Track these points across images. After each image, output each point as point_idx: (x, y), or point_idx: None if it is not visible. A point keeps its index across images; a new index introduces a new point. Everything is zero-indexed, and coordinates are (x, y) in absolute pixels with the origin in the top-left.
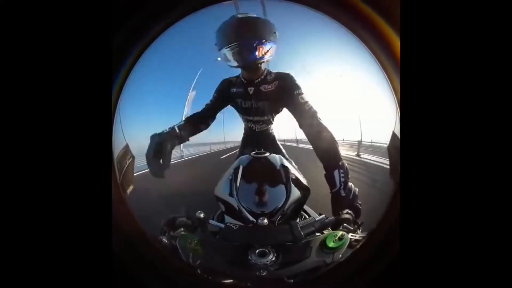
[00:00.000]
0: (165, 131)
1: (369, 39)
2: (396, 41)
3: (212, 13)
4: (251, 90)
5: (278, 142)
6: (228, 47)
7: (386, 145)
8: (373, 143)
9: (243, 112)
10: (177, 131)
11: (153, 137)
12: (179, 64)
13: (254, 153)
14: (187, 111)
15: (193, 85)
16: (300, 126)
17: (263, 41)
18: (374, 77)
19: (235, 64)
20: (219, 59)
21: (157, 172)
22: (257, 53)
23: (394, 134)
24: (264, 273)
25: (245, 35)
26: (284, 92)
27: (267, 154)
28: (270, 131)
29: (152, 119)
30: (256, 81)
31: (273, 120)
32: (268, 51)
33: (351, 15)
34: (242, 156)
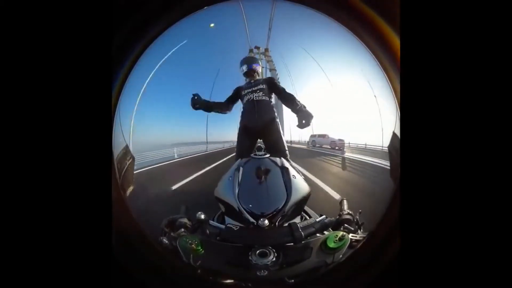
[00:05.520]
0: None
1: (369, 39)
2: (396, 41)
3: (211, 13)
4: (252, 80)
5: (274, 109)
6: (245, 65)
7: (386, 145)
8: (373, 144)
9: (246, 87)
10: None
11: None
12: (179, 64)
13: (254, 154)
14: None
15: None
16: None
17: (256, 65)
18: (374, 77)
19: (245, 71)
20: None
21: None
22: (254, 68)
23: (394, 135)
24: (265, 274)
25: (250, 63)
26: (270, 83)
27: (268, 155)
28: (266, 100)
29: (152, 119)
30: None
31: (266, 92)
32: (257, 68)
33: (351, 15)
34: (242, 159)
